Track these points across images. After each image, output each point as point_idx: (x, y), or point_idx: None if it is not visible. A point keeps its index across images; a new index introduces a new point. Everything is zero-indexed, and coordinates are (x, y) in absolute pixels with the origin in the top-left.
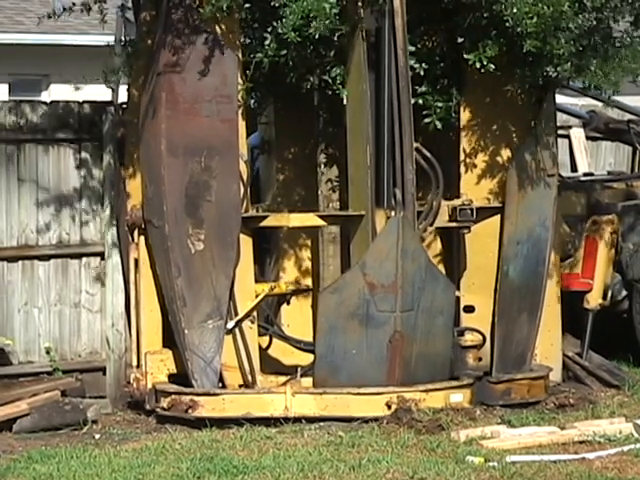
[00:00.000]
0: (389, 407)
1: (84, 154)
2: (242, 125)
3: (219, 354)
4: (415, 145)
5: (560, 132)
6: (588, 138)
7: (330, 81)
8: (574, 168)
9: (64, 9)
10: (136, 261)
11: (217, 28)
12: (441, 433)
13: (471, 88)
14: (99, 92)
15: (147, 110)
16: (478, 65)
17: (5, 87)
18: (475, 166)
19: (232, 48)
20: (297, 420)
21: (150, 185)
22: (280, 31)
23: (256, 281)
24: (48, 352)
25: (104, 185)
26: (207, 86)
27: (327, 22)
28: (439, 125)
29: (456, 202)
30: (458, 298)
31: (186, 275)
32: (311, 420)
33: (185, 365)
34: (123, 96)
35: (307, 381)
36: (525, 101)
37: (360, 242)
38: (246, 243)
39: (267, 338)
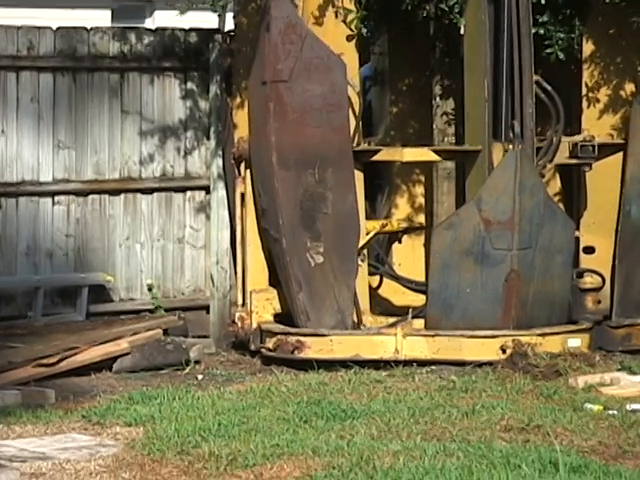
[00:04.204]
0: (504, 351)
1: (190, 84)
2: (354, 55)
3: None
4: (535, 78)
5: None
6: None
7: (447, 10)
8: None
9: None
10: (242, 196)
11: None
12: (558, 379)
13: (595, 19)
14: (205, 19)
15: (256, 117)
16: None
17: (108, 13)
18: (598, 100)
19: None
20: (408, 363)
21: (264, 194)
22: None
23: (367, 218)
24: (150, 289)
25: (210, 116)
26: (315, 95)
27: None
28: (561, 56)
29: (577, 138)
30: (577, 238)
31: (307, 289)
32: (422, 363)
33: None
34: (230, 24)
35: (419, 323)
36: None
37: (476, 178)
38: (358, 178)
39: (377, 278)
